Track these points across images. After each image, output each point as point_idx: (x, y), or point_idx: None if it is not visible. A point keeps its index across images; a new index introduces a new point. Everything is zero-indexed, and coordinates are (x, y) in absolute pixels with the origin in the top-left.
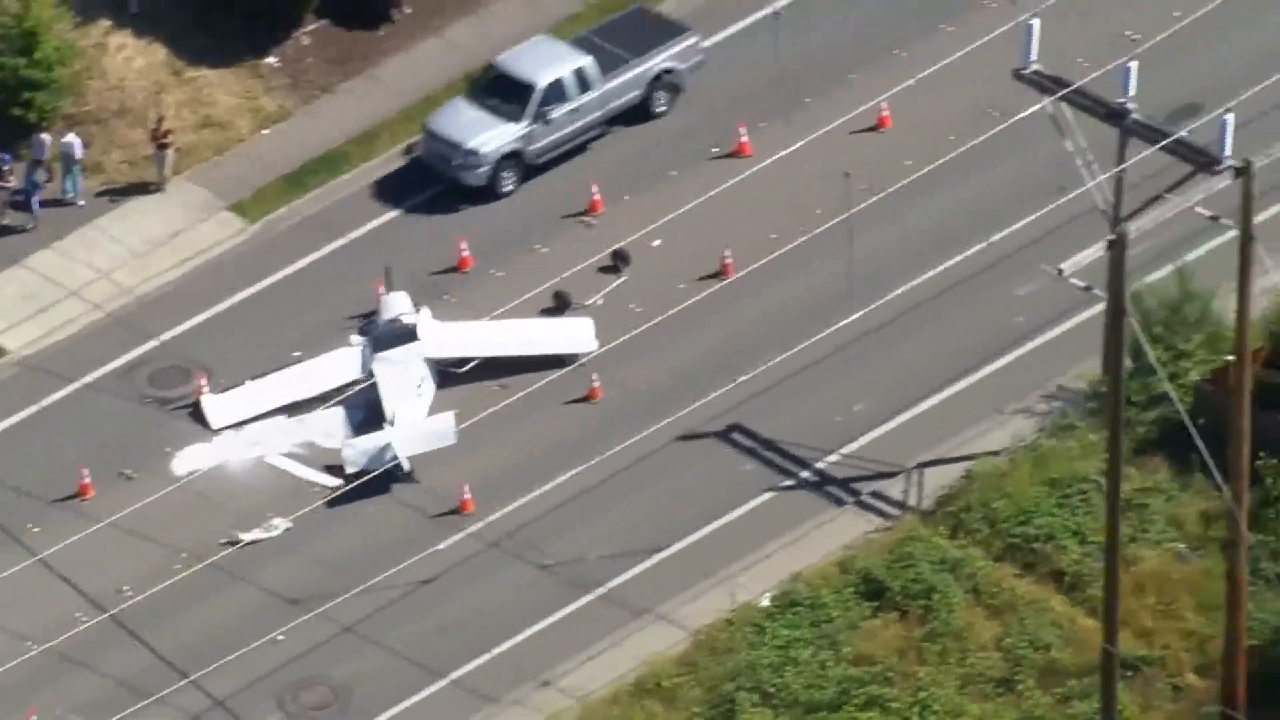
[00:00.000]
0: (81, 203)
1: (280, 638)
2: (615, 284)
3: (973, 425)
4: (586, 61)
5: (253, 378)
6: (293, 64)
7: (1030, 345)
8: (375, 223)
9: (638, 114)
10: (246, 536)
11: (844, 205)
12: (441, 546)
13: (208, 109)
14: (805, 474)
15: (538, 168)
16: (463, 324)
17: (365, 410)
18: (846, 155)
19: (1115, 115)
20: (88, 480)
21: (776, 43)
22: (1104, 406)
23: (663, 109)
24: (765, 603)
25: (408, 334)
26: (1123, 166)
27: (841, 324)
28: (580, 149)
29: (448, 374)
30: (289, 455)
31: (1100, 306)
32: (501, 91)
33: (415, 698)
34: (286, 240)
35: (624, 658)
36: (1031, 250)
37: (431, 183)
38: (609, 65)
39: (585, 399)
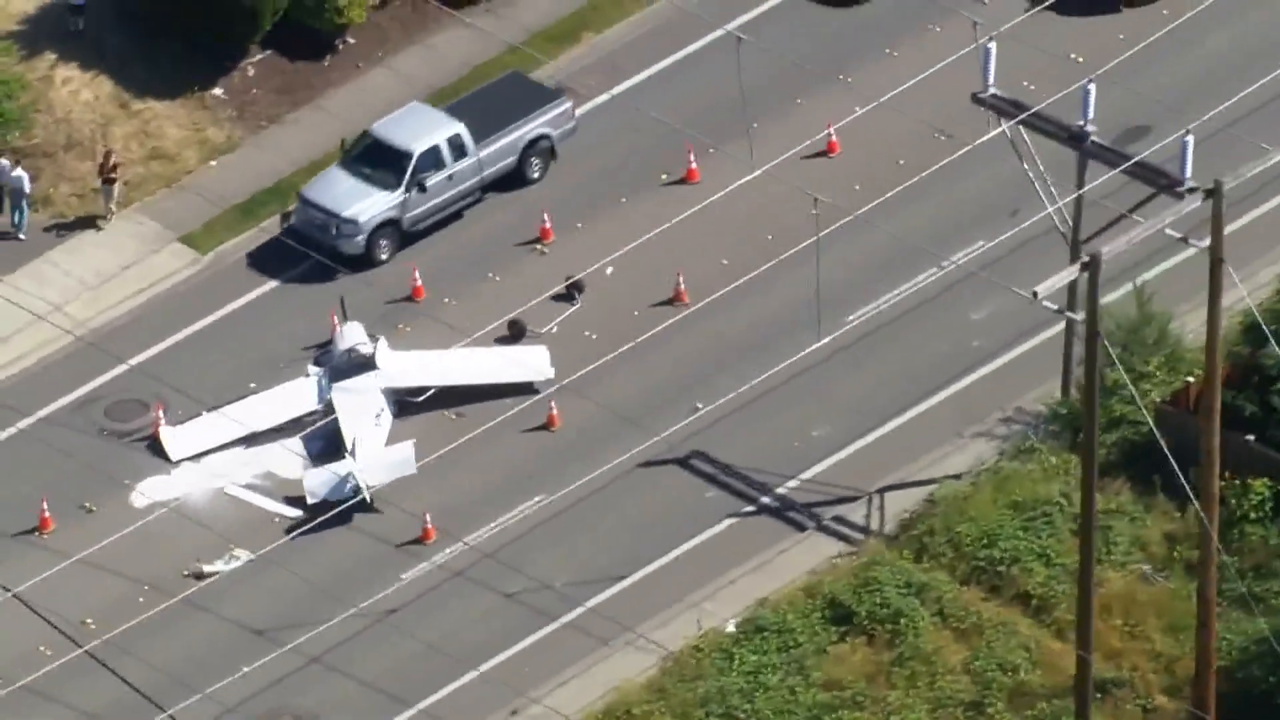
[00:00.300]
0: (23, 237)
1: (246, 669)
2: (569, 312)
3: (933, 449)
4: (460, 128)
5: (209, 409)
6: (239, 95)
7: (987, 369)
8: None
9: (512, 180)
10: (209, 568)
11: (812, 232)
12: (405, 576)
13: (155, 141)
14: (767, 500)
15: (414, 235)
16: (419, 353)
17: (324, 440)
18: (796, 180)
19: (1075, 138)
20: (48, 514)
21: (739, 68)
22: (1064, 429)
23: (536, 175)
24: (731, 629)
25: (365, 364)
26: (1083, 190)
27: (798, 351)
28: (457, 216)
29: (405, 403)
30: (249, 486)
31: (1055, 329)
32: (376, 160)
33: None
34: (238, 271)
35: (593, 684)
36: (986, 274)
37: None
38: (483, 132)
39: (544, 427)
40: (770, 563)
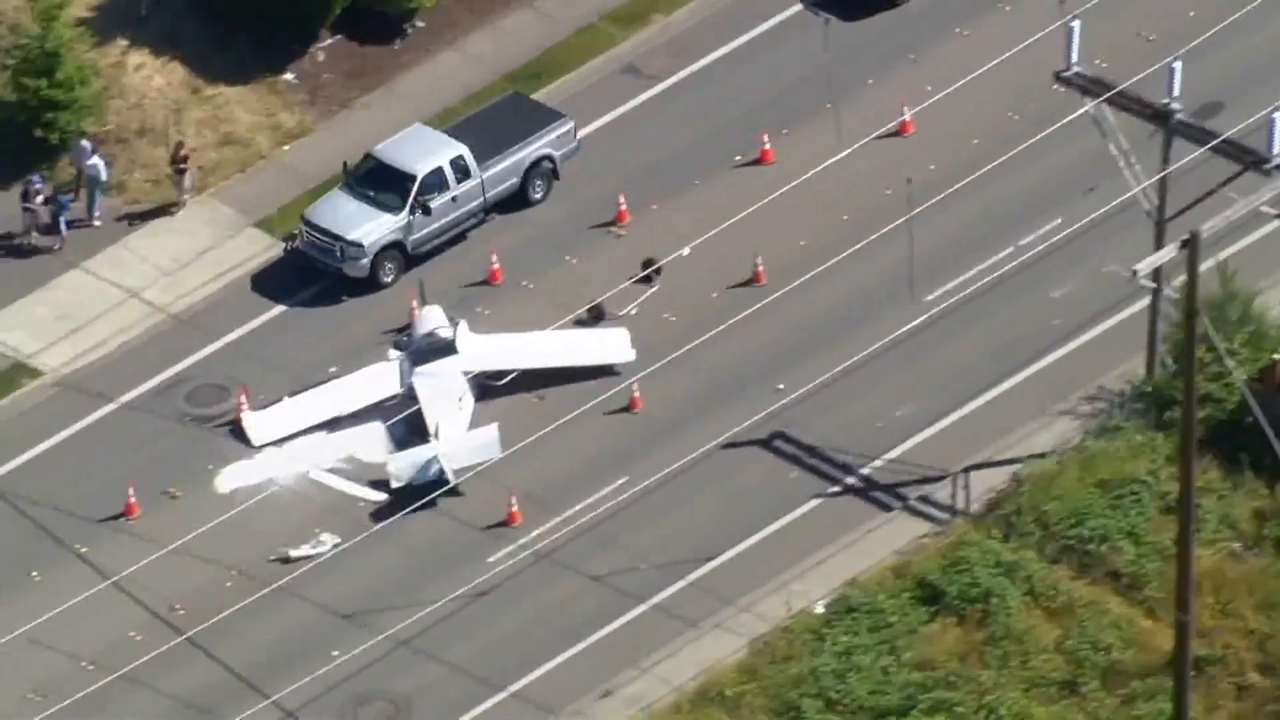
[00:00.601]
0: (99, 223)
1: (336, 654)
2: (648, 294)
3: (1016, 428)
4: (464, 150)
5: (291, 394)
6: (310, 79)
7: (1068, 347)
8: None
9: (515, 202)
10: (296, 553)
11: (889, 212)
12: (492, 559)
13: (228, 126)
14: (851, 480)
15: (419, 258)
16: (500, 336)
17: (405, 425)
18: (871, 160)
19: (1160, 116)
20: (134, 500)
21: (826, 47)
22: (1149, 406)
23: (539, 196)
24: (820, 609)
25: (446, 347)
26: (1168, 168)
27: (879, 332)
28: (461, 237)
29: (486, 387)
30: (333, 471)
31: (1134, 308)
32: (380, 182)
33: (475, 710)
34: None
35: (683, 667)
36: (1064, 252)
37: None
38: (486, 153)
39: (626, 409)
40: (857, 543)
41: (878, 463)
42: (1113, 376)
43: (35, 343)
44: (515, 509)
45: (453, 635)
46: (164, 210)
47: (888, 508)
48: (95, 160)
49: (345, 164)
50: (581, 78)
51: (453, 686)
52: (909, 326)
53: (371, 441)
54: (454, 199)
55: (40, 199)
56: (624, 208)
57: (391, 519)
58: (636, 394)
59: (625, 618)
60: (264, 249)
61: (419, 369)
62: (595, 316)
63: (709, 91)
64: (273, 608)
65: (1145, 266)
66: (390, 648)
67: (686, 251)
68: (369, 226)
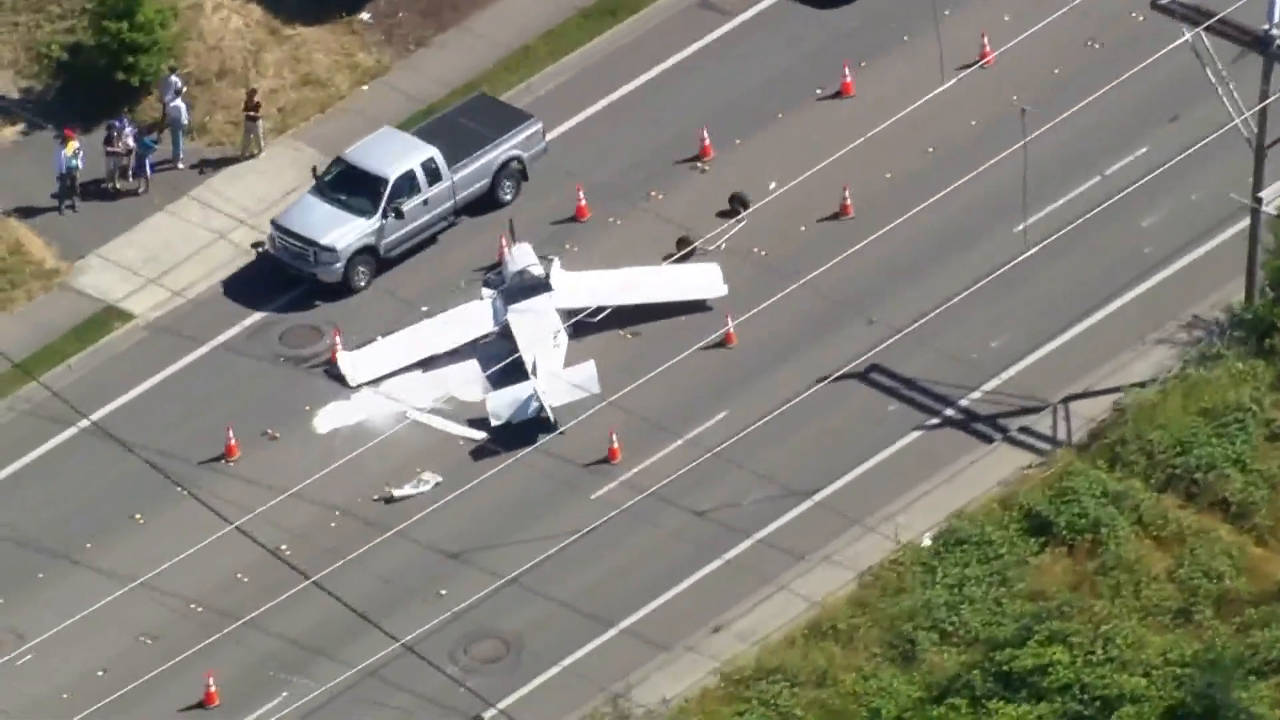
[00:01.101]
0: (182, 165)
1: (444, 592)
2: (736, 228)
3: (1113, 357)
4: (434, 153)
5: (383, 334)
6: (385, 19)
7: (1161, 275)
8: None
9: (484, 203)
10: (399, 492)
11: (975, 144)
12: (595, 496)
13: (306, 66)
14: (950, 412)
15: (390, 261)
16: (593, 273)
17: (500, 362)
18: (951, 92)
19: (1261, 42)
20: (233, 441)
21: None
22: (1249, 334)
23: (509, 197)
24: (927, 542)
25: (540, 284)
26: (1270, 96)
27: (968, 264)
28: (432, 240)
29: (580, 323)
30: (430, 410)
31: (1225, 235)
32: (351, 186)
33: (587, 647)
34: None
35: (793, 601)
36: (1152, 181)
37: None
38: (456, 156)
39: (721, 344)
40: (960, 475)
41: (975, 394)
42: (1207, 304)
43: (125, 286)
44: (616, 445)
45: (559, 572)
46: (246, 153)
47: (988, 439)
48: (177, 102)
49: (315, 168)
50: (657, 12)
51: (562, 623)
52: (991, 259)
53: (468, 380)
54: (425, 202)
55: (124, 143)
56: (708, 142)
57: (491, 457)
58: (731, 329)
59: (731, 553)
60: None
61: (513, 306)
62: (685, 251)
63: (785, 26)
64: (378, 547)
65: (1271, 194)
66: (497, 585)
67: (773, 187)
68: (342, 231)
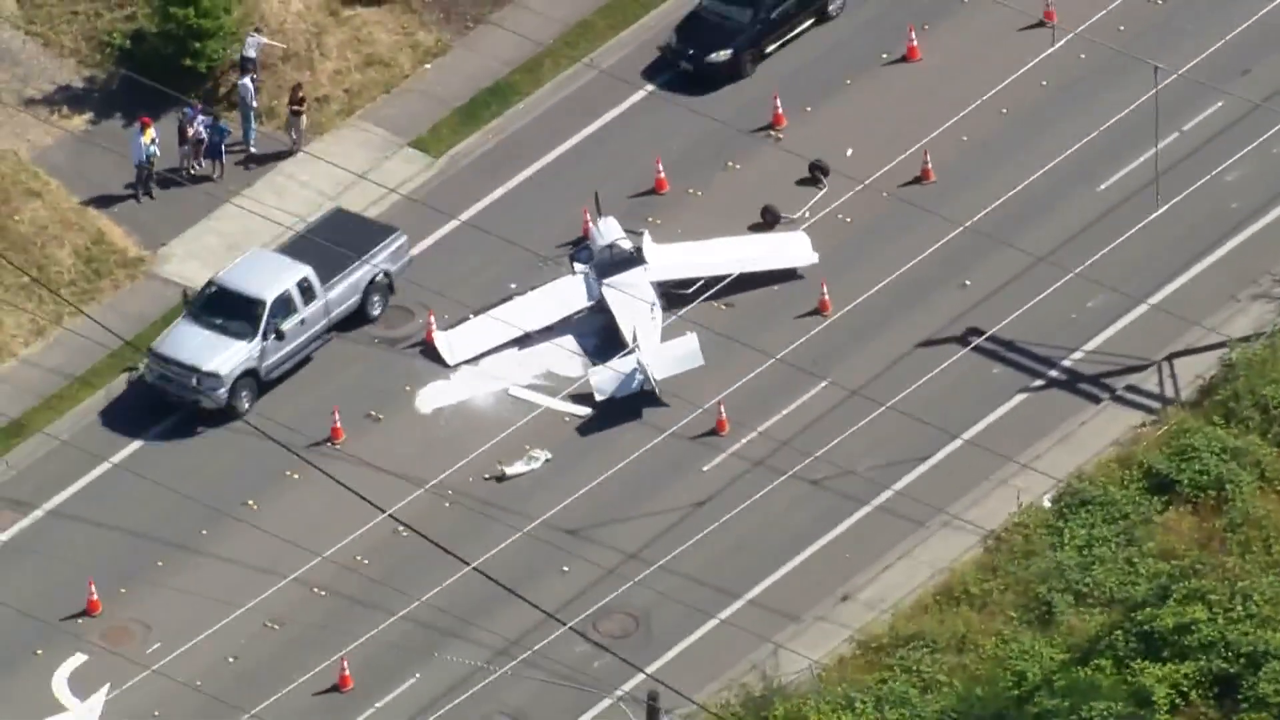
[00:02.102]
0: (254, 149)
1: (566, 569)
2: (818, 196)
3: (1211, 314)
4: (308, 271)
5: (475, 312)
6: None
7: (1251, 229)
8: (560, 149)
9: (354, 319)
10: (511, 470)
11: (1046, 105)
12: (706, 468)
13: (368, 47)
14: (1054, 373)
15: (270, 384)
16: (685, 245)
17: (597, 337)
18: (1017, 52)
19: None
20: (339, 424)
21: None
22: None
23: (377, 312)
24: (1047, 504)
25: (629, 258)
26: None
27: (1055, 224)
28: (307, 360)
29: (673, 296)
30: (531, 387)
31: None
32: (227, 309)
33: (716, 620)
34: (475, 173)
35: (918, 566)
36: (1230, 135)
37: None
38: (327, 273)
39: (816, 312)
40: (1072, 435)
41: (1078, 354)
42: None
43: (210, 273)
44: (723, 417)
45: (679, 546)
46: (314, 133)
47: (1096, 399)
48: (245, 81)
49: (185, 292)
50: None
51: (688, 597)
52: (1078, 217)
53: (566, 356)
54: (302, 321)
55: (197, 130)
56: (780, 111)
57: (599, 432)
58: (826, 296)
59: (849, 521)
60: (422, 169)
61: (608, 281)
62: (769, 221)
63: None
64: (495, 525)
65: None
66: (619, 560)
67: (850, 154)
68: (225, 356)
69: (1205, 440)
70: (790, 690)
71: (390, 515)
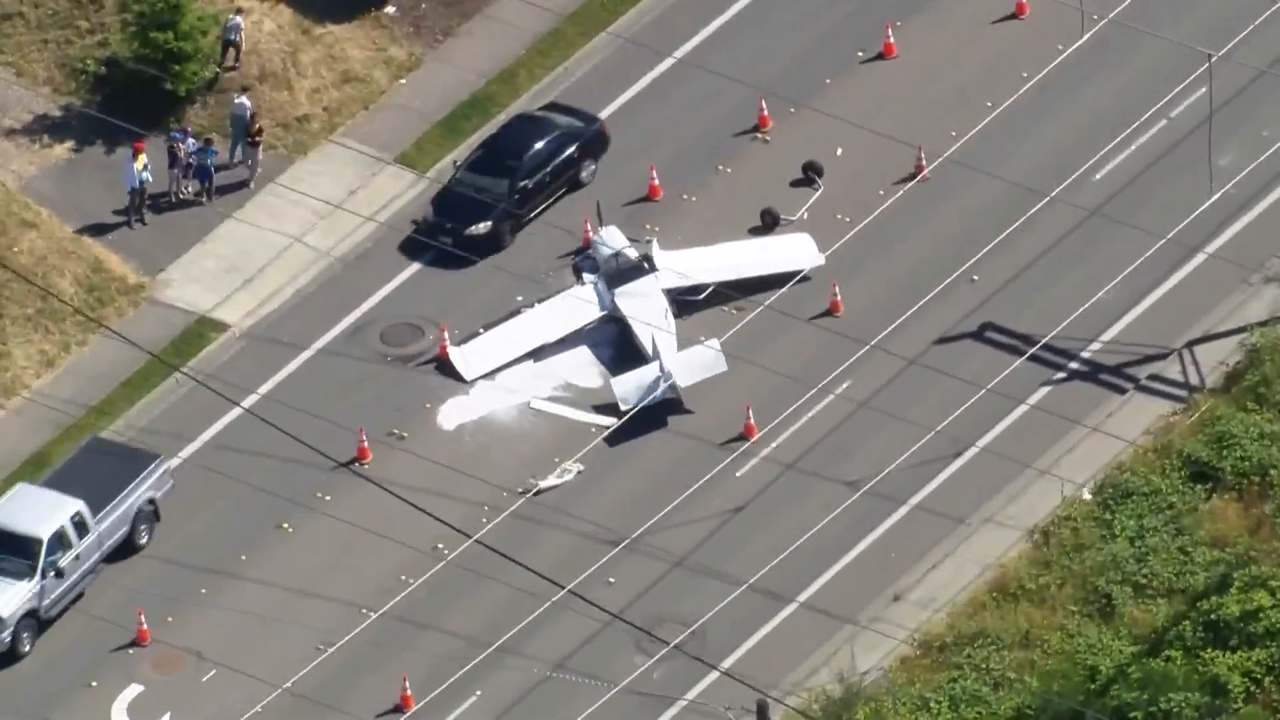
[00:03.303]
0: (238, 162)
1: (612, 580)
2: (815, 197)
3: (1224, 298)
4: (81, 505)
5: (485, 327)
6: (411, 11)
7: (1251, 214)
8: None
9: (122, 550)
10: (545, 483)
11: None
12: (739, 474)
13: (343, 64)
14: (1074, 365)
15: (49, 621)
16: (693, 251)
17: (611, 347)
18: (992, 46)
19: None
20: (365, 443)
21: None
22: None
23: (144, 541)
24: (1087, 496)
25: (642, 266)
26: None
27: (1054, 219)
28: (80, 595)
29: (684, 302)
30: (552, 399)
31: None
32: (2, 549)
33: (770, 625)
34: None
35: (965, 564)
36: (1218, 121)
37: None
38: (96, 506)
39: (829, 313)
40: (1102, 426)
41: (1095, 345)
42: None
43: (212, 296)
44: (751, 422)
45: (722, 553)
46: (299, 152)
47: (1120, 390)
48: (243, 99)
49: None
50: None
51: (738, 603)
52: (1075, 210)
53: (582, 366)
54: (78, 557)
55: (185, 153)
56: (765, 113)
57: (626, 442)
58: (838, 297)
59: (890, 521)
60: (410, 184)
61: (619, 290)
62: (769, 223)
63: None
64: (535, 537)
65: None
66: (664, 569)
67: (839, 152)
68: (5, 598)
69: (1243, 427)
70: (867, 693)
71: (458, 530)
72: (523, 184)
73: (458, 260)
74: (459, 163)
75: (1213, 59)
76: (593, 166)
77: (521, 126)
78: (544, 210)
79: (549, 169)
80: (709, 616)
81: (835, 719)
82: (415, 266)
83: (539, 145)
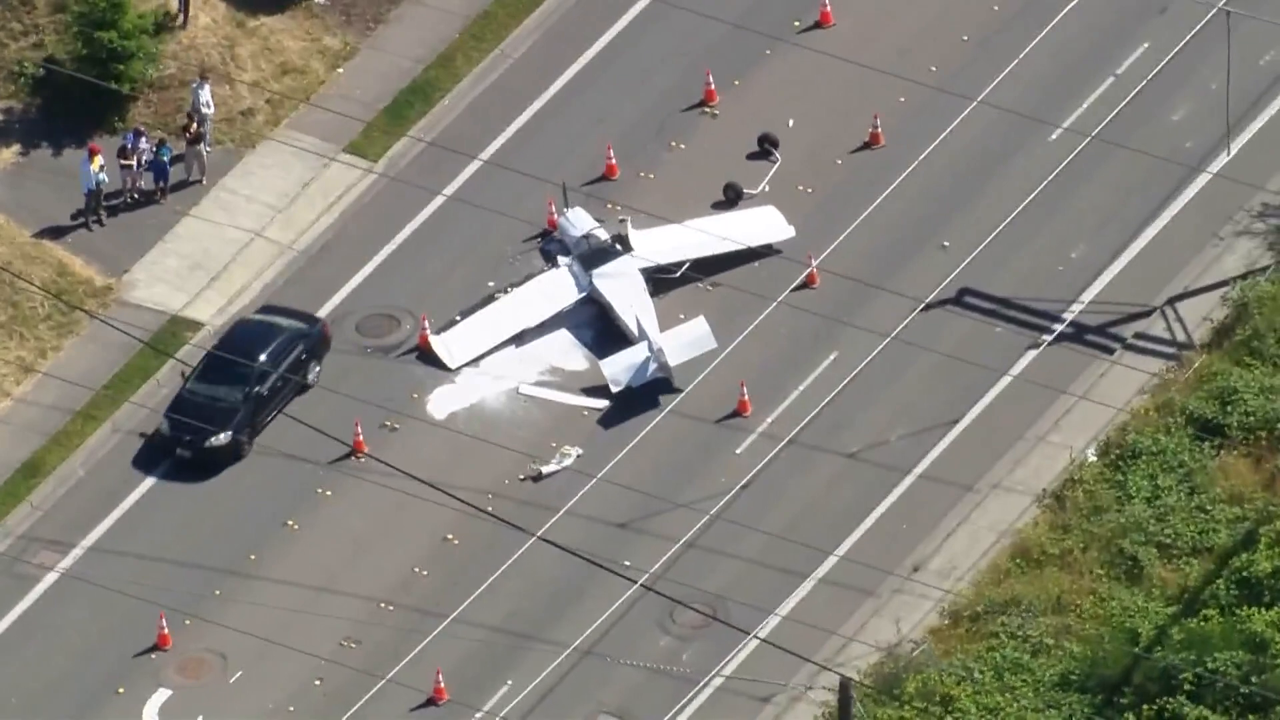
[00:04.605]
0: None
1: (628, 563)
2: (774, 169)
3: (1197, 255)
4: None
5: (462, 314)
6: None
7: (1213, 167)
8: (498, 142)
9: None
10: (547, 469)
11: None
12: (738, 451)
13: (280, 56)
14: (1058, 326)
15: None
16: (666, 229)
17: (591, 329)
18: (933, 9)
19: None
20: (361, 437)
21: None
22: None
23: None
24: (1092, 458)
25: (615, 247)
26: None
27: (1023, 178)
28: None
29: (659, 280)
30: (538, 384)
31: (1258, 122)
32: None
33: (792, 601)
34: (419, 173)
35: (980, 532)
36: (1166, 75)
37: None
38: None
39: (805, 285)
40: (1095, 387)
41: (1076, 306)
42: (1270, 191)
43: (180, 295)
44: (745, 398)
45: (733, 531)
46: (246, 145)
47: (1108, 349)
48: (204, 88)
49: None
50: None
51: (756, 580)
52: (1044, 168)
53: (565, 350)
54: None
55: (140, 152)
56: (712, 87)
57: (620, 423)
58: (814, 269)
59: (897, 491)
60: (362, 173)
61: (596, 272)
62: (732, 198)
63: None
64: (542, 524)
65: None
66: (678, 550)
67: (790, 123)
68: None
69: (1243, 382)
70: (913, 664)
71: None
72: (256, 391)
73: (424, 249)
74: (187, 373)
75: (1230, 13)
76: (318, 368)
77: (247, 332)
78: (274, 417)
79: (280, 374)
80: (728, 595)
81: (887, 692)
82: (382, 256)
83: (268, 350)
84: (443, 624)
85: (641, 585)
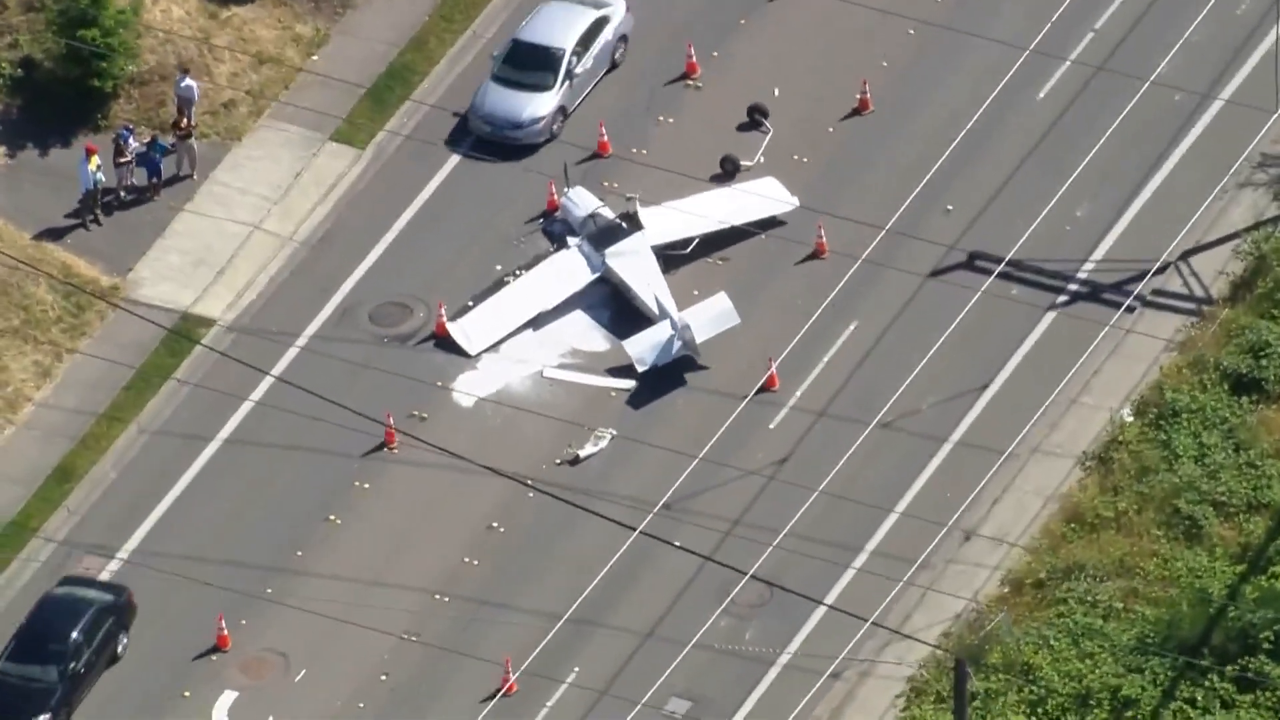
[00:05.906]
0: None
1: (678, 543)
2: (766, 140)
3: (1202, 208)
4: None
5: (474, 299)
6: None
7: (1206, 117)
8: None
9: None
10: (584, 452)
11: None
12: (772, 425)
13: (255, 46)
14: (1074, 287)
15: None
16: (673, 204)
17: (607, 309)
18: None
19: None
20: (392, 427)
21: None
22: None
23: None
24: (1128, 417)
25: (624, 225)
26: None
27: (1017, 137)
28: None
29: (670, 256)
30: (561, 366)
31: (1249, 66)
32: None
33: (848, 575)
34: (409, 158)
35: (1026, 497)
36: (1144, 30)
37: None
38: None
39: (815, 256)
40: (1122, 346)
41: (1089, 265)
42: (1268, 140)
43: (188, 292)
44: (774, 372)
45: (780, 507)
46: (232, 137)
47: (1128, 308)
48: (189, 82)
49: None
50: None
51: (808, 556)
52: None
53: (585, 331)
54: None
55: (133, 149)
56: (693, 59)
57: (649, 403)
58: (823, 239)
59: (937, 460)
60: (352, 160)
61: (609, 251)
62: (729, 170)
63: None
64: (590, 506)
65: None
66: (726, 528)
67: (776, 92)
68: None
69: (1273, 334)
70: (991, 635)
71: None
72: (72, 667)
73: (426, 234)
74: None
75: None
76: (125, 640)
77: (56, 608)
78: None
79: (93, 648)
80: (781, 571)
81: (972, 662)
82: (385, 244)
83: (80, 625)
84: (498, 613)
85: (709, 559)
